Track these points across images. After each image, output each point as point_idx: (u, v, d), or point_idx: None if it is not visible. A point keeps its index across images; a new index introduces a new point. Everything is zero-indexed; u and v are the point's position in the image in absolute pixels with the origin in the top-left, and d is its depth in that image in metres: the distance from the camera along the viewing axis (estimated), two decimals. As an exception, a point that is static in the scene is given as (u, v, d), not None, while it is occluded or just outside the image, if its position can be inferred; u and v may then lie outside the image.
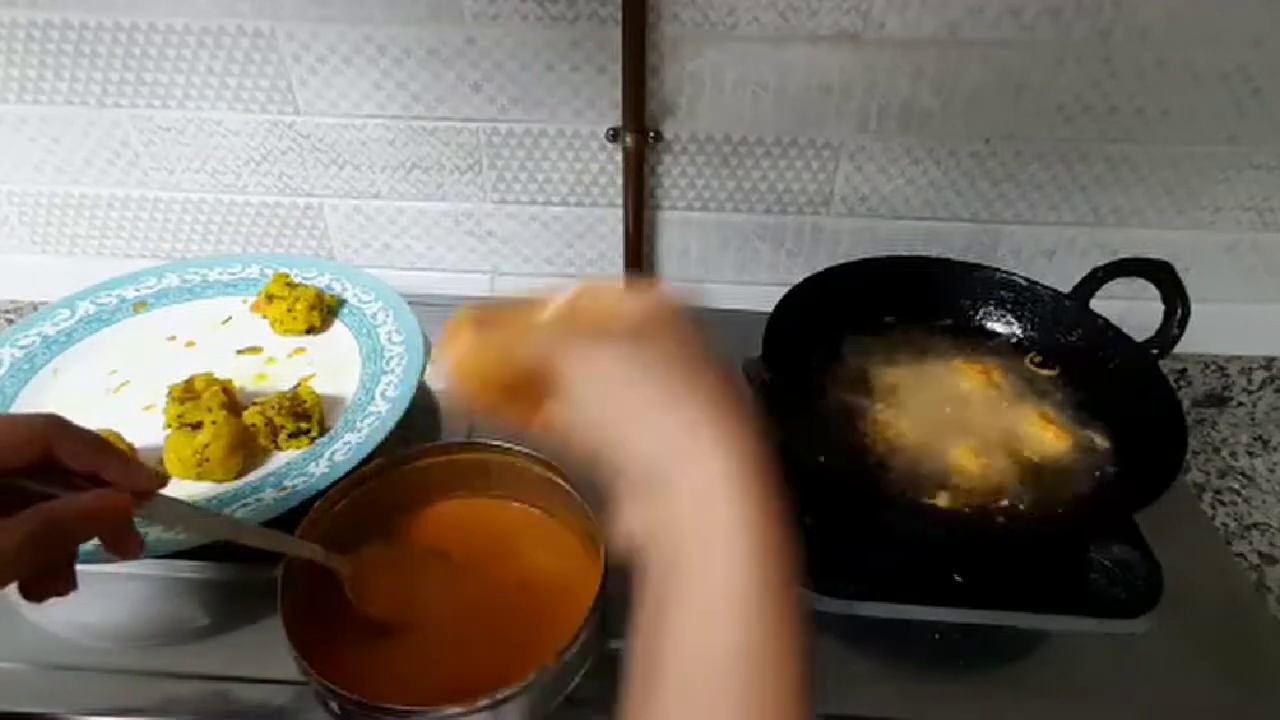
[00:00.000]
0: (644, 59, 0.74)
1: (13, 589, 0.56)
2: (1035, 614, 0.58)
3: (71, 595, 0.58)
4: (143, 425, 0.66)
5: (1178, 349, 0.65)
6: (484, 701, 0.43)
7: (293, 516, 0.57)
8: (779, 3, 0.71)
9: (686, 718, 0.29)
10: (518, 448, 0.57)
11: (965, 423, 0.65)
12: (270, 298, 0.77)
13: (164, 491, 0.46)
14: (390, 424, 0.64)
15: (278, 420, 0.64)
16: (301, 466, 0.63)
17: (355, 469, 0.59)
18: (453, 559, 0.56)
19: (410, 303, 0.77)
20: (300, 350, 0.76)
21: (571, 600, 0.50)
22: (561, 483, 0.56)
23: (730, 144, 0.80)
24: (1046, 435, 0.64)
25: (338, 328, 0.78)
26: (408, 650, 0.51)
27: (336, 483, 0.57)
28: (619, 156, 0.80)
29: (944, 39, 0.72)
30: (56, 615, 0.57)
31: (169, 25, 0.75)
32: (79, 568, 0.56)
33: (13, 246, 0.91)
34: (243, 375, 0.72)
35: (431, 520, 0.59)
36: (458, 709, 0.43)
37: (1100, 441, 0.64)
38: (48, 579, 0.41)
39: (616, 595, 0.53)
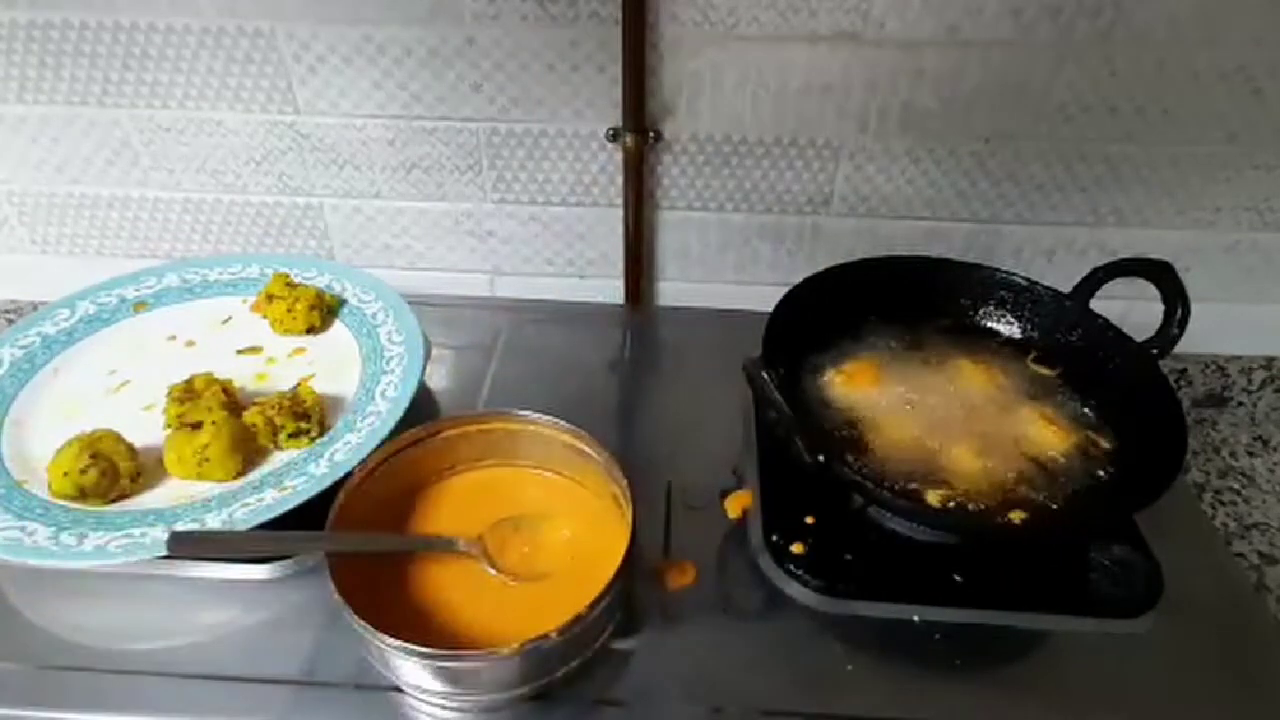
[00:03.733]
0: (644, 59, 0.74)
1: (10, 588, 0.56)
2: (1035, 614, 0.58)
3: (71, 595, 0.58)
4: (143, 425, 0.66)
5: (1178, 349, 0.65)
6: (529, 647, 0.47)
7: (293, 516, 0.58)
8: (779, 3, 0.71)
9: None
10: (546, 418, 0.60)
11: (966, 422, 0.65)
12: (270, 298, 0.77)
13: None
14: (390, 424, 0.64)
15: (278, 420, 0.64)
16: (301, 466, 0.63)
17: (366, 457, 0.59)
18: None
19: (410, 303, 0.77)
20: (300, 350, 0.76)
21: (602, 559, 0.53)
22: (589, 450, 0.59)
23: (730, 144, 0.80)
24: (1047, 435, 0.64)
25: (338, 328, 0.78)
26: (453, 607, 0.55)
27: (338, 484, 0.57)
28: (619, 156, 0.80)
29: (944, 39, 0.72)
30: (56, 615, 0.57)
31: (169, 25, 0.75)
32: (78, 566, 0.57)
33: (13, 246, 0.92)
34: (243, 375, 0.72)
35: (466, 488, 0.62)
36: (500, 653, 0.47)
37: (1100, 441, 0.64)
38: None
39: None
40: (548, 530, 0.59)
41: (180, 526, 0.57)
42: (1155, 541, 0.62)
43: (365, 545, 0.56)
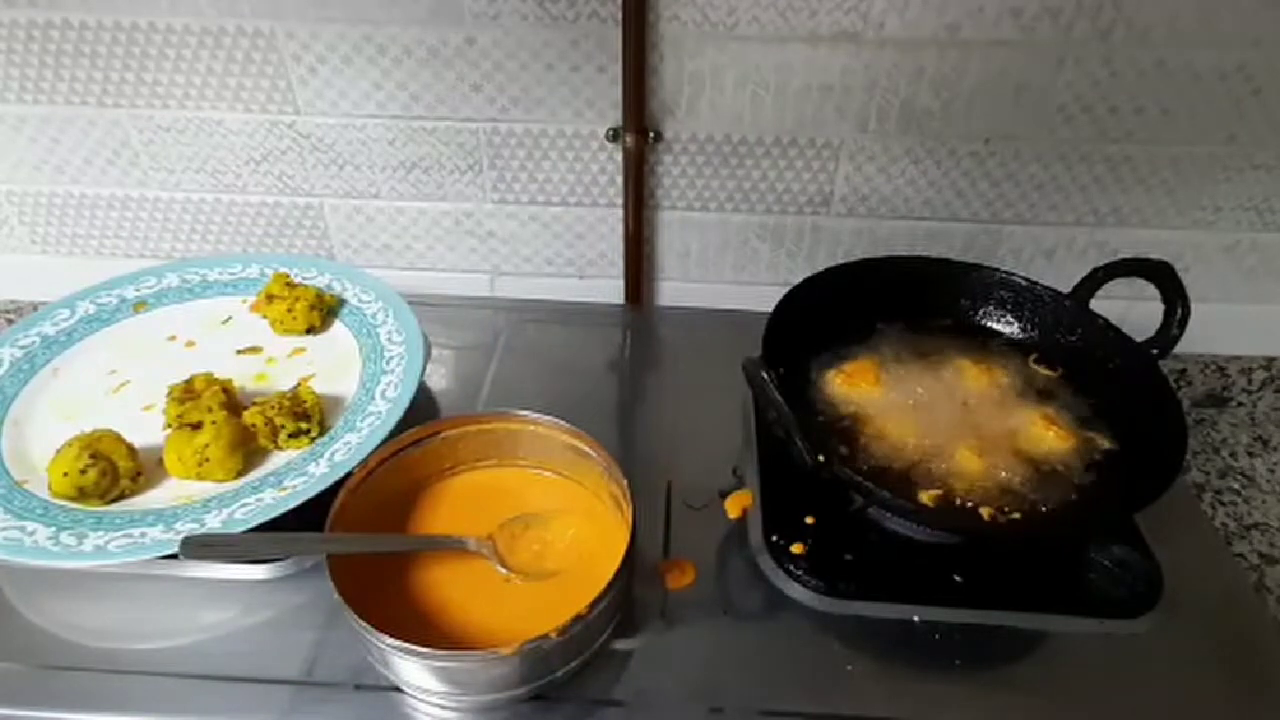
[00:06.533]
0: (644, 59, 0.74)
1: (10, 588, 0.56)
2: (1035, 614, 0.58)
3: (71, 595, 0.58)
4: (143, 425, 0.66)
5: (1178, 349, 0.65)
6: (528, 647, 0.47)
7: (293, 516, 0.58)
8: (779, 3, 0.71)
9: None
10: (546, 418, 0.60)
11: (966, 423, 0.65)
12: (270, 298, 0.77)
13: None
14: (390, 424, 0.64)
15: (278, 420, 0.64)
16: (301, 466, 0.63)
17: (366, 457, 0.59)
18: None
19: (410, 303, 0.77)
20: (300, 350, 0.76)
21: (602, 559, 0.53)
22: (589, 450, 0.59)
23: (730, 144, 0.80)
24: (1048, 435, 0.64)
25: (338, 328, 0.78)
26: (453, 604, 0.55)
27: (338, 484, 0.57)
28: (619, 156, 0.80)
29: (944, 39, 0.72)
30: (56, 615, 0.57)
31: (169, 25, 0.75)
32: (78, 566, 0.57)
33: (13, 246, 0.92)
34: (243, 375, 0.72)
35: (466, 488, 0.62)
36: (500, 653, 0.47)
37: (1101, 442, 0.64)
38: None
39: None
40: (556, 529, 0.59)
41: (180, 527, 0.57)
42: (1155, 541, 0.62)
43: (375, 546, 0.56)
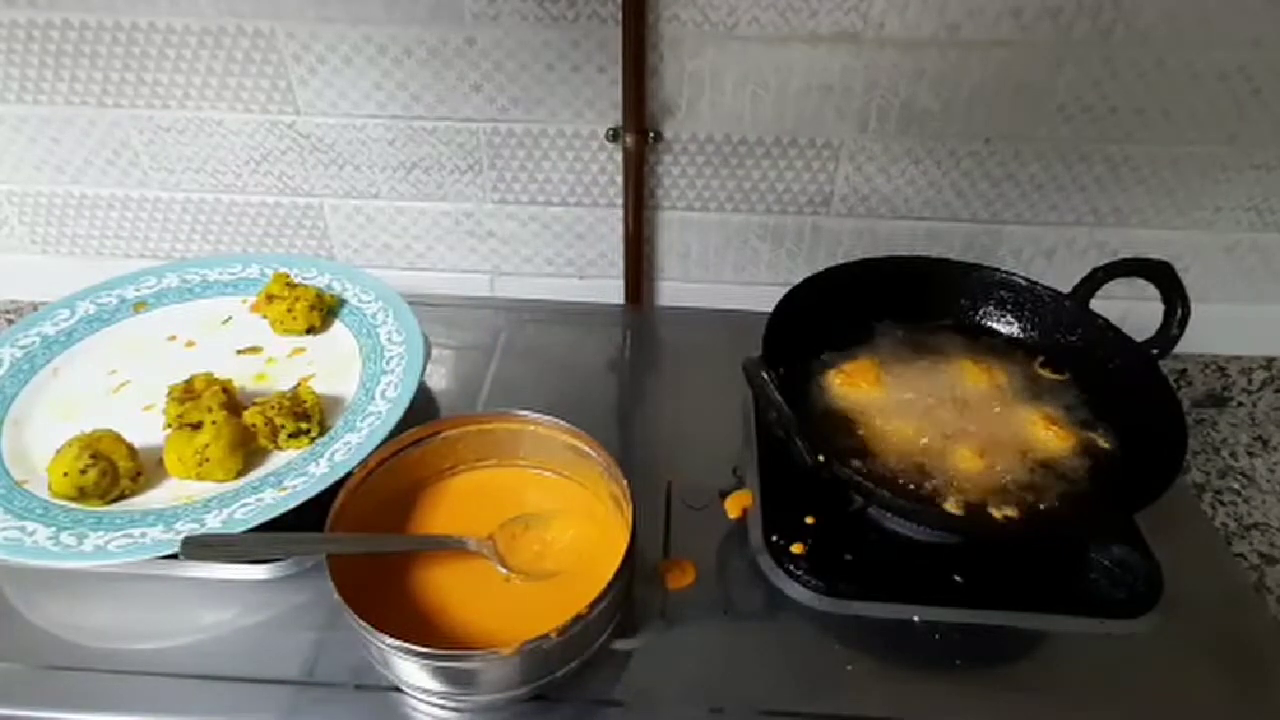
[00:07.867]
0: (644, 59, 0.74)
1: (10, 588, 0.56)
2: (1035, 614, 0.58)
3: (71, 595, 0.58)
4: (143, 425, 0.66)
5: (1178, 349, 0.65)
6: (528, 647, 0.47)
7: (293, 516, 0.58)
8: (779, 3, 0.71)
9: None
10: (546, 418, 0.60)
11: (966, 422, 0.65)
12: (270, 298, 0.77)
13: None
14: (390, 424, 0.64)
15: (278, 420, 0.64)
16: (301, 466, 0.63)
17: (366, 457, 0.59)
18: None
19: (410, 303, 0.77)
20: (300, 350, 0.76)
21: (602, 559, 0.53)
22: (589, 450, 0.59)
23: (730, 144, 0.80)
24: (1048, 435, 0.64)
25: (338, 328, 0.78)
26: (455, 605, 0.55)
27: (338, 483, 0.57)
28: (619, 156, 0.80)
29: (944, 39, 0.72)
30: (56, 615, 0.57)
31: (169, 25, 0.75)
32: (78, 566, 0.57)
33: (13, 246, 0.92)
34: (243, 375, 0.72)
35: (466, 488, 0.62)
36: (500, 653, 0.47)
37: (1101, 442, 0.64)
38: None
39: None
40: (556, 529, 0.59)
41: (180, 527, 0.57)
42: (1155, 541, 0.62)
43: (375, 546, 0.56)
